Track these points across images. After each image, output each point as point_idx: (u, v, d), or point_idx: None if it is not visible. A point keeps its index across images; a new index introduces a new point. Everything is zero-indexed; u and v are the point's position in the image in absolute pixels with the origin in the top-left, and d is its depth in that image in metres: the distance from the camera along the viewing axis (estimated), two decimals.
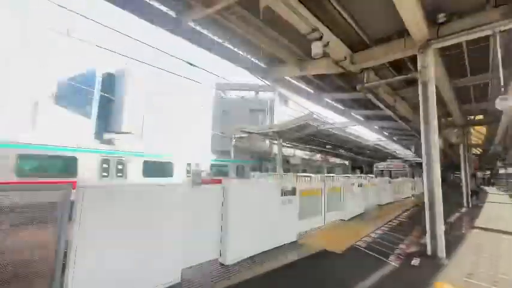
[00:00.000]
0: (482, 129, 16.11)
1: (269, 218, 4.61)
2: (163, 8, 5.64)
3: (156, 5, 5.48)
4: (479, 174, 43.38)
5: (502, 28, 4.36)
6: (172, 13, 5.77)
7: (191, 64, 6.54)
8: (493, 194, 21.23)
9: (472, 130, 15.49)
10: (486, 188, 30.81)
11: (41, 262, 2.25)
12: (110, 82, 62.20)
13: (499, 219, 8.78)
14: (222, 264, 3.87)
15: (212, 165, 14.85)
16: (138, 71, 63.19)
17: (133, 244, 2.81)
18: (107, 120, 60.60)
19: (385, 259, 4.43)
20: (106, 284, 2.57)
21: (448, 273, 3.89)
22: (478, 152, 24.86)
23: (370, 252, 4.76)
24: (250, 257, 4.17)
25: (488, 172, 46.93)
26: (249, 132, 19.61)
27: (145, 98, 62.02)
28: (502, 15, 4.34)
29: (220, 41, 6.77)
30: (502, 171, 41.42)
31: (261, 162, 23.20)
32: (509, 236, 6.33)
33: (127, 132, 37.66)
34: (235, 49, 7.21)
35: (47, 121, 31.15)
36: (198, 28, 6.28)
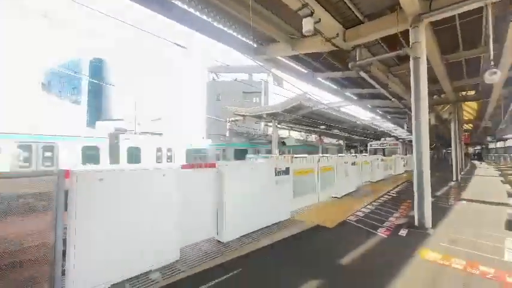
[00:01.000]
0: (474, 105, 16.31)
1: (264, 197, 4.75)
2: None
3: None
4: (470, 149, 44.55)
5: (495, 0, 4.30)
6: None
7: (180, 45, 6.33)
8: (482, 167, 21.93)
9: (464, 106, 15.68)
10: (476, 162, 31.74)
11: (40, 250, 2.31)
12: (99, 68, 60.16)
13: (485, 191, 9.17)
14: (219, 242, 4.04)
15: (196, 150, 14.66)
16: (128, 55, 60.93)
17: (133, 226, 2.90)
18: (98, 108, 59.37)
19: (374, 231, 4.66)
20: (106, 266, 2.68)
21: (432, 241, 4.14)
22: (470, 128, 25.33)
23: (361, 226, 4.99)
24: (246, 234, 4.35)
25: (478, 147, 48.15)
26: (244, 115, 19.49)
27: (137, 82, 60.41)
28: None
29: (209, 20, 6.53)
30: (491, 145, 42.58)
31: (255, 145, 23.28)
32: (492, 206, 6.66)
33: (119, 119, 37.08)
34: (226, 29, 6.99)
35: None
36: (185, 7, 6.03)
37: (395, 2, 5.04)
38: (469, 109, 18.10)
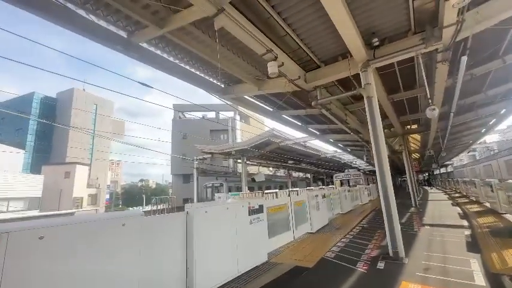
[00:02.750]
0: (418, 137, 18.57)
1: (238, 241, 4.40)
2: (113, 28, 5.37)
3: (105, 25, 5.18)
4: (420, 176, 49.35)
5: (422, 51, 5.20)
6: (123, 33, 5.52)
7: (145, 85, 6.24)
8: (432, 192, 24.14)
9: (410, 138, 17.75)
10: (427, 187, 34.96)
11: None
12: (50, 107, 55.76)
13: (441, 215, 9.91)
14: None
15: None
16: (87, 95, 58.21)
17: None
18: (46, 151, 53.40)
19: (353, 267, 4.54)
20: None
21: (409, 272, 4.14)
22: (417, 157, 28.42)
23: (340, 262, 4.84)
24: (220, 286, 3.86)
25: (426, 174, 53.66)
26: (212, 153, 19.22)
27: (98, 121, 56.84)
28: (421, 40, 5.19)
29: (176, 61, 6.66)
30: (436, 171, 47.86)
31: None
32: (450, 229, 7.14)
33: (72, 163, 33.58)
34: (193, 70, 7.17)
35: None
36: (152, 49, 6.10)
37: (346, 50, 5.78)
38: (415, 140, 20.54)
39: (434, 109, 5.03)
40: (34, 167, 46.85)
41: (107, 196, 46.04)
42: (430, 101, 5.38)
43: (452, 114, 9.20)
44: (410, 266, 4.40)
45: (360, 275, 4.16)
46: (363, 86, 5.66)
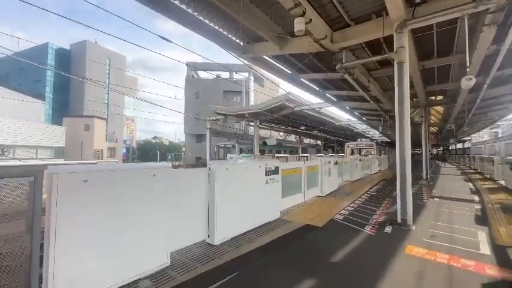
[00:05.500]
0: (440, 109, 17.66)
1: (254, 197, 4.67)
2: None
3: None
4: (434, 150, 48.24)
5: (470, 11, 4.62)
6: None
7: (165, 39, 6.02)
8: (445, 167, 23.85)
9: (432, 110, 16.91)
10: (439, 162, 34.46)
11: (13, 256, 2.03)
12: (65, 59, 55.63)
13: (452, 189, 9.94)
14: (210, 245, 3.88)
15: None
16: (99, 48, 57.22)
17: (119, 231, 2.65)
18: (65, 103, 55.00)
19: (361, 229, 4.80)
20: (92, 275, 2.42)
21: (416, 237, 4.35)
22: (435, 131, 27.44)
23: (349, 224, 5.12)
24: (237, 236, 4.24)
25: (440, 148, 52.31)
26: (226, 115, 19.23)
27: (111, 76, 56.93)
28: None
29: (200, 17, 6.30)
30: (452, 147, 46.49)
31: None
32: (460, 202, 7.22)
33: (91, 116, 34.75)
34: (211, 24, 6.79)
35: None
36: (176, 2, 5.74)
37: (381, 7, 5.23)
38: (435, 113, 19.59)
39: (471, 79, 4.67)
40: (54, 118, 48.88)
41: (124, 150, 48.48)
42: (468, 69, 4.96)
43: (485, 86, 8.54)
44: (417, 233, 4.60)
45: (367, 236, 4.43)
46: (395, 50, 5.24)
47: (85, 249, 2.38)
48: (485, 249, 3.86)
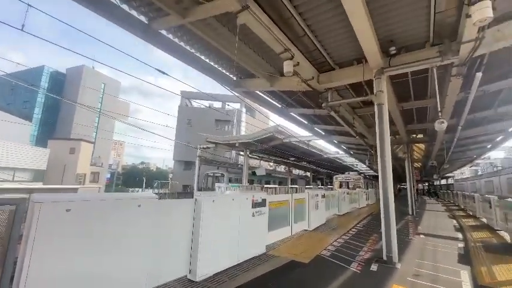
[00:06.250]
0: (422, 146, 18.56)
1: (240, 231, 4.60)
2: (134, 13, 5.46)
3: (127, 9, 5.27)
4: (420, 185, 49.30)
5: (438, 64, 5.24)
6: (143, 19, 5.62)
7: (160, 71, 6.35)
8: (430, 203, 24.24)
9: (414, 147, 17.76)
10: (426, 197, 35.04)
11: None
12: (59, 82, 56.03)
13: (436, 226, 10.07)
14: (191, 281, 3.70)
15: None
16: (96, 73, 58.34)
17: (97, 263, 2.54)
18: (52, 125, 54.02)
19: (347, 266, 4.73)
20: None
21: (400, 276, 4.32)
22: (418, 166, 28.41)
23: (335, 261, 5.04)
24: (220, 272, 4.08)
25: (426, 184, 53.52)
26: (216, 143, 19.40)
27: (104, 100, 57.13)
28: (438, 52, 5.23)
29: (192, 51, 6.75)
30: (437, 182, 47.72)
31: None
32: (444, 240, 7.30)
33: (77, 139, 34.03)
34: (207, 60, 7.26)
35: None
36: (170, 36, 6.19)
37: (362, 55, 5.82)
38: (418, 149, 20.53)
39: (443, 122, 5.11)
40: (39, 140, 47.52)
41: (108, 175, 46.77)
42: (440, 113, 5.45)
43: (460, 127, 9.23)
44: (402, 271, 4.58)
45: (353, 275, 4.36)
46: (375, 93, 5.73)
47: (59, 281, 2.25)
48: None
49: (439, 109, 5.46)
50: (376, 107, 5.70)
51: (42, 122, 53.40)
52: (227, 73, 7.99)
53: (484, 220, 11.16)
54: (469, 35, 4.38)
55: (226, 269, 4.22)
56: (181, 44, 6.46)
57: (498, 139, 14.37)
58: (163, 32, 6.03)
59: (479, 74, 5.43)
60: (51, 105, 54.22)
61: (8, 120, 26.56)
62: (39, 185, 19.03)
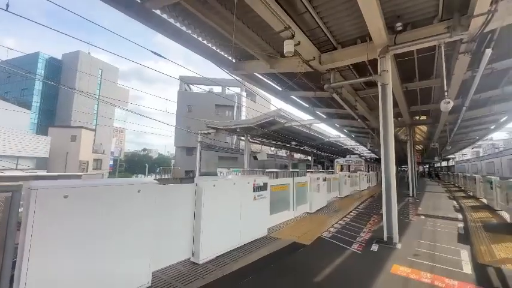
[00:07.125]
0: (425, 128, 18.37)
1: (242, 214, 4.62)
2: None
3: None
4: (420, 168, 49.48)
5: (446, 40, 4.99)
6: None
7: (158, 54, 6.12)
8: (431, 184, 24.42)
9: (416, 129, 17.58)
10: (426, 179, 35.27)
11: None
12: (55, 68, 55.01)
13: (436, 206, 10.16)
14: (195, 264, 3.77)
15: None
16: (92, 59, 57.09)
17: (98, 249, 2.55)
18: (51, 113, 53.74)
19: (348, 247, 4.80)
20: None
21: (401, 256, 4.38)
22: (420, 148, 28.35)
23: (336, 242, 5.10)
24: (223, 254, 4.14)
25: (426, 166, 53.73)
26: (217, 128, 19.27)
27: (102, 87, 56.41)
28: (446, 28, 4.96)
29: (189, 31, 6.48)
30: (437, 164, 47.85)
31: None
32: (444, 220, 7.37)
33: (78, 127, 33.98)
34: (204, 41, 6.99)
35: None
36: (164, 16, 5.91)
37: (366, 33, 5.56)
38: (420, 132, 20.36)
39: (449, 102, 4.96)
40: (40, 128, 47.51)
41: (111, 162, 47.19)
42: (446, 93, 5.28)
43: (465, 108, 9.03)
44: (402, 251, 4.64)
45: (354, 255, 4.42)
46: (379, 73, 5.52)
47: (61, 267, 2.26)
48: (468, 268, 3.91)
49: (445, 88, 5.28)
50: (380, 87, 5.51)
51: (41, 109, 53.07)
52: (226, 55, 7.73)
53: (484, 201, 11.23)
54: (481, 8, 4.12)
55: (229, 251, 4.28)
56: (177, 24, 6.19)
57: (502, 120, 14.14)
58: (158, 11, 5.76)
59: (488, 51, 5.18)
60: (50, 93, 53.61)
61: (8, 109, 26.41)
62: (43, 173, 19.25)
